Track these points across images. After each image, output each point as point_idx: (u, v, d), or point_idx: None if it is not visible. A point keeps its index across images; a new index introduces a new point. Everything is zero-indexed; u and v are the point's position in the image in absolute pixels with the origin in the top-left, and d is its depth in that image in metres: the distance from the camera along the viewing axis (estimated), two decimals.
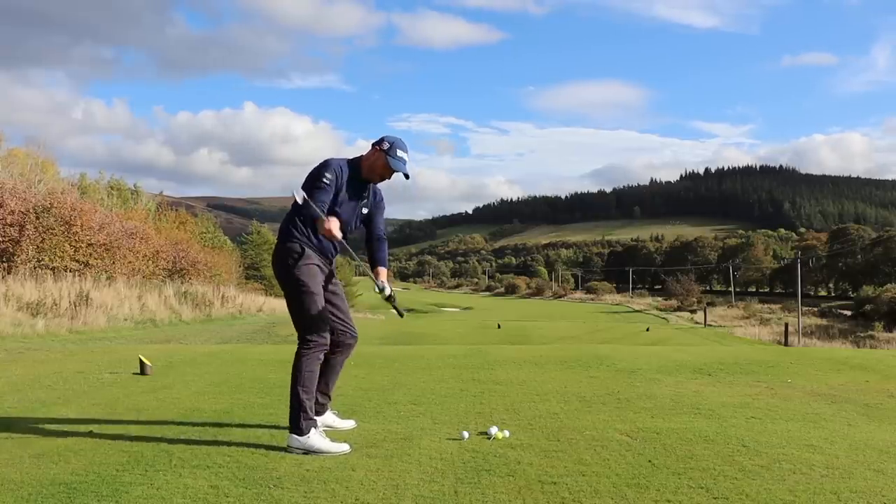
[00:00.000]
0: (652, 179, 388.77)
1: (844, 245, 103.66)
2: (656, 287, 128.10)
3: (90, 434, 4.16)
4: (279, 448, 3.84)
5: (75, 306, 16.25)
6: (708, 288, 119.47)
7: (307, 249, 4.00)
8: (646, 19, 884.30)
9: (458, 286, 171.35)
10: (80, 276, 19.23)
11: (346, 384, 5.58)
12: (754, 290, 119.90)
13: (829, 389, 5.93)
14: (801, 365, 7.45)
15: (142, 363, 6.76)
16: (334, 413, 4.44)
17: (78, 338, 13.61)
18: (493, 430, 4.11)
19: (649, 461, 3.63)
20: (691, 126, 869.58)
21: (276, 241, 4.23)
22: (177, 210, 42.86)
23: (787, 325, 41.42)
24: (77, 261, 20.02)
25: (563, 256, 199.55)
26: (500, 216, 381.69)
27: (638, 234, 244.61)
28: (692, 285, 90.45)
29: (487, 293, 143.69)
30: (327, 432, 4.05)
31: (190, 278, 28.36)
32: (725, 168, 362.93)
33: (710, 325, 52.83)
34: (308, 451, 3.75)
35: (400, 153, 4.08)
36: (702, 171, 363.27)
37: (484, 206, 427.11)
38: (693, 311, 71.55)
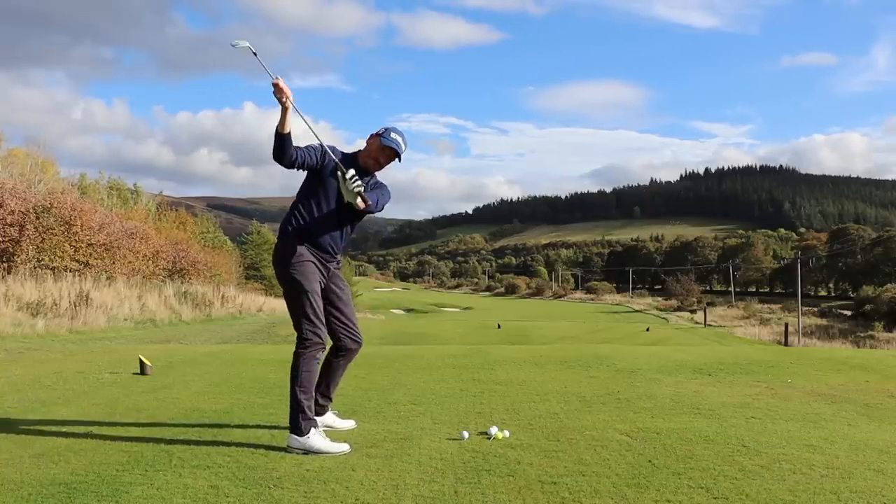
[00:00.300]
0: (652, 179, 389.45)
1: (844, 245, 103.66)
2: (656, 287, 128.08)
3: (90, 434, 4.15)
4: (279, 448, 3.84)
5: (75, 306, 16.24)
6: (708, 288, 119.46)
7: (302, 247, 4.00)
8: (645, 19, 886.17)
9: (458, 286, 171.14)
10: (80, 276, 19.22)
11: (346, 384, 5.57)
12: (754, 290, 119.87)
13: (829, 389, 5.93)
14: (801, 365, 7.45)
15: (142, 363, 6.76)
16: (334, 413, 4.44)
17: (78, 338, 13.60)
18: (493, 430, 4.11)
19: (649, 461, 3.62)
20: (691, 126, 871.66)
21: (275, 239, 4.23)
22: (177, 210, 42.80)
23: (787, 325, 41.42)
24: (77, 261, 20.02)
25: (563, 256, 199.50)
26: (500, 216, 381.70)
27: (638, 234, 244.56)
28: (692, 285, 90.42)
29: (487, 293, 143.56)
30: (327, 432, 4.05)
31: (190, 278, 28.35)
32: (725, 168, 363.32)
33: (710, 325, 52.84)
34: (308, 452, 3.75)
35: (393, 136, 4.07)
36: (702, 171, 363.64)
37: (484, 206, 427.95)
38: (693, 311, 71.53)
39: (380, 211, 4.14)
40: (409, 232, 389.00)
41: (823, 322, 61.22)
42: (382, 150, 4.08)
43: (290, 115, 3.70)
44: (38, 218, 18.72)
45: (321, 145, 4.00)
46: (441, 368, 7.13)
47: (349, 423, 4.40)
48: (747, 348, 15.62)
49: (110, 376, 6.62)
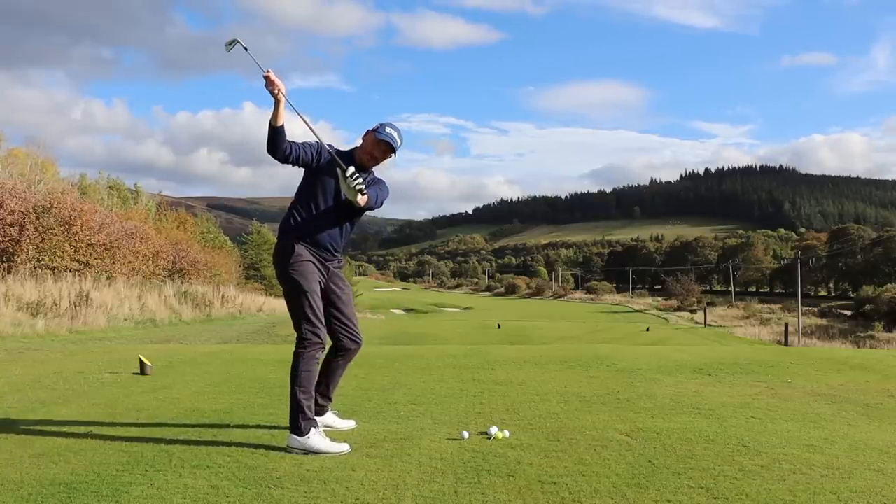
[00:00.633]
0: (652, 179, 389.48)
1: (844, 245, 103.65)
2: (656, 287, 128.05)
3: (90, 434, 4.15)
4: (279, 448, 3.84)
5: (75, 306, 16.24)
6: (708, 288, 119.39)
7: (301, 247, 4.00)
8: (645, 19, 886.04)
9: (458, 286, 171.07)
10: (80, 276, 19.22)
11: (346, 384, 5.57)
12: (754, 290, 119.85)
13: (829, 389, 5.93)
14: (801, 365, 7.45)
15: (142, 363, 6.76)
16: (334, 413, 4.44)
17: (78, 338, 13.60)
18: (493, 430, 4.11)
19: (649, 461, 3.62)
20: (691, 126, 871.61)
21: (275, 239, 4.23)
22: (177, 210, 42.80)
23: (787, 325, 41.42)
24: (77, 261, 20.01)
25: (563, 256, 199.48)
26: (500, 216, 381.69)
27: (638, 234, 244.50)
28: (692, 285, 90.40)
29: (487, 293, 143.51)
30: (327, 432, 4.04)
31: (190, 278, 28.35)
32: (725, 168, 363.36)
33: (710, 325, 52.83)
34: (308, 452, 3.75)
35: (388, 130, 4.07)
36: (702, 171, 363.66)
37: (484, 206, 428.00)
38: (693, 311, 71.52)
39: (379, 207, 4.16)
40: (409, 232, 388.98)
41: (823, 322, 61.22)
42: (377, 145, 4.08)
43: (283, 107, 3.73)
44: (38, 218, 18.72)
45: (318, 143, 4.00)
46: (441, 368, 7.13)
47: (349, 423, 4.40)
48: (747, 348, 15.62)
49: (110, 376, 6.62)
